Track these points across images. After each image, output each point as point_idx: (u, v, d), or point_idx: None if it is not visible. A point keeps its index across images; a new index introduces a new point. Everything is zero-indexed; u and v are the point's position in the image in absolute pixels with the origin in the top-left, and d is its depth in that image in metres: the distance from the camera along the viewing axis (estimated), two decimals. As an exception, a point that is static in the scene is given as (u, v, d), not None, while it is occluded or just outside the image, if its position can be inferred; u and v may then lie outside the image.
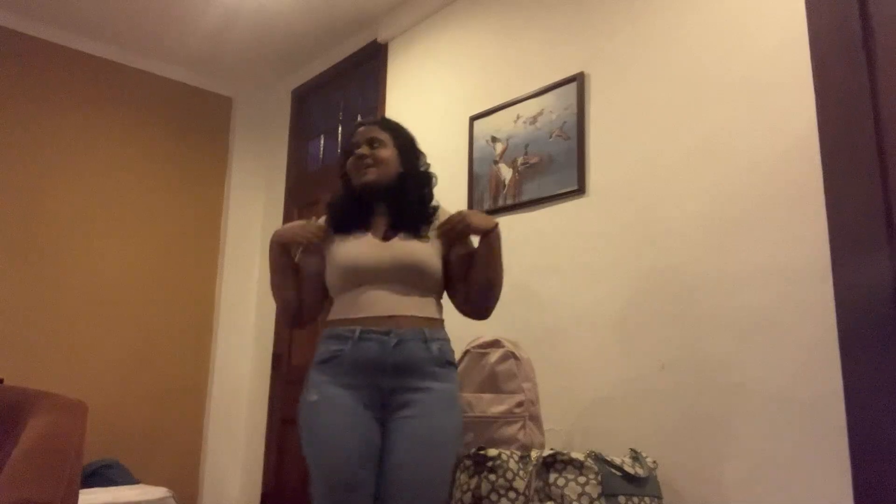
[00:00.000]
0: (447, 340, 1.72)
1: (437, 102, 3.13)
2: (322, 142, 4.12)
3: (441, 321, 1.74)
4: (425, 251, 1.70)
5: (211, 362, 4.03)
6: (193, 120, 4.16)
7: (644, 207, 2.23)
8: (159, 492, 3.07)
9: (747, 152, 1.99)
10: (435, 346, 1.65)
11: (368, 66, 3.69)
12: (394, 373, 1.62)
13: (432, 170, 1.86)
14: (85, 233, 3.66)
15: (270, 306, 4.03)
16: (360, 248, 1.70)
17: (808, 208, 1.82)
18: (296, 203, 4.04)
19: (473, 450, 1.92)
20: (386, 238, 1.71)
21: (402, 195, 1.75)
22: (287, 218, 4.07)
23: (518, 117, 2.69)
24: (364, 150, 1.74)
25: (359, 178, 1.74)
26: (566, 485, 1.80)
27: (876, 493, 1.57)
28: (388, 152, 1.76)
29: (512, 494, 1.84)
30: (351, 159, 1.77)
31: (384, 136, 1.77)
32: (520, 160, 2.65)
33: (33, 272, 3.48)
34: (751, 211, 1.96)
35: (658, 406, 2.08)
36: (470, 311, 1.78)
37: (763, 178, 1.94)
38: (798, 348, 1.80)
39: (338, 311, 1.72)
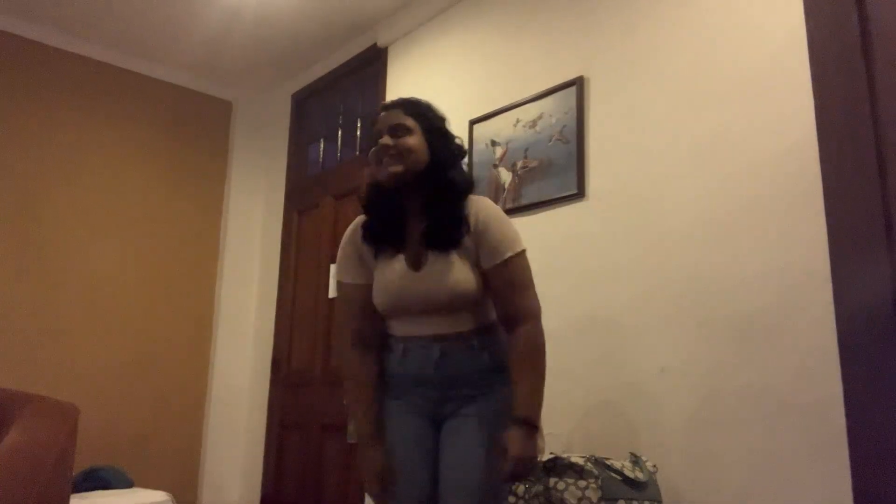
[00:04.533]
0: (498, 344, 1.56)
1: (437, 106, 3.12)
2: (322, 146, 4.12)
3: (487, 326, 1.58)
4: (456, 273, 1.51)
5: (210, 366, 4.02)
6: (193, 124, 4.17)
7: (643, 211, 2.23)
8: (158, 496, 3.06)
9: (746, 156, 1.99)
10: (485, 355, 1.54)
11: (368, 70, 3.69)
12: (440, 385, 1.55)
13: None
14: (85, 237, 3.65)
15: (270, 311, 4.03)
16: (392, 278, 1.56)
17: (808, 212, 1.82)
18: (295, 207, 4.04)
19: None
20: (418, 263, 1.54)
21: (437, 193, 1.55)
22: (287, 222, 4.07)
23: (518, 121, 2.70)
24: (387, 140, 1.54)
25: (383, 172, 1.53)
26: (566, 489, 1.80)
27: (876, 498, 1.57)
28: (414, 140, 1.55)
29: (512, 499, 1.84)
30: (372, 151, 1.56)
31: (410, 121, 1.57)
32: (519, 164, 2.65)
33: (32, 276, 3.47)
34: (750, 214, 1.96)
35: (658, 410, 2.08)
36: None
37: (762, 181, 1.94)
38: (798, 352, 1.80)
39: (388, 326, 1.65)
